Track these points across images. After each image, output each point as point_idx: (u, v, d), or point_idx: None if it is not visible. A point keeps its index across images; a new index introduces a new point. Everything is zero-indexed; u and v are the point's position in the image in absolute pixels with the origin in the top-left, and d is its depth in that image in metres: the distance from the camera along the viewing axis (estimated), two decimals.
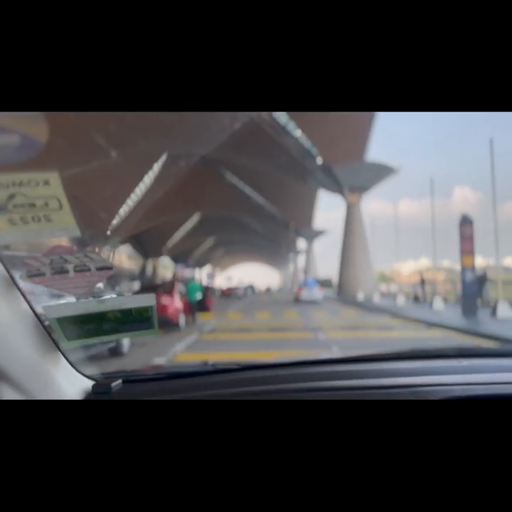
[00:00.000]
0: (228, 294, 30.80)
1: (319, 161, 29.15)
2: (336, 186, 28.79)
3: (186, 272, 44.55)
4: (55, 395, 0.71)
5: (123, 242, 40.40)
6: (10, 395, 0.65)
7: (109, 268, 0.66)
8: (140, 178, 34.26)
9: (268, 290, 44.00)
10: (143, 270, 45.78)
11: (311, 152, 28.90)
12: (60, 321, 0.65)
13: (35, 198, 0.64)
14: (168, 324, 9.29)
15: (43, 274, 0.65)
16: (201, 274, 59.66)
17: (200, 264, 69.65)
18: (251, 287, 41.09)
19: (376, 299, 23.17)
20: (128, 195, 34.51)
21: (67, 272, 0.65)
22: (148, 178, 35.86)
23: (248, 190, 38.80)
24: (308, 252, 48.58)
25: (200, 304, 11.53)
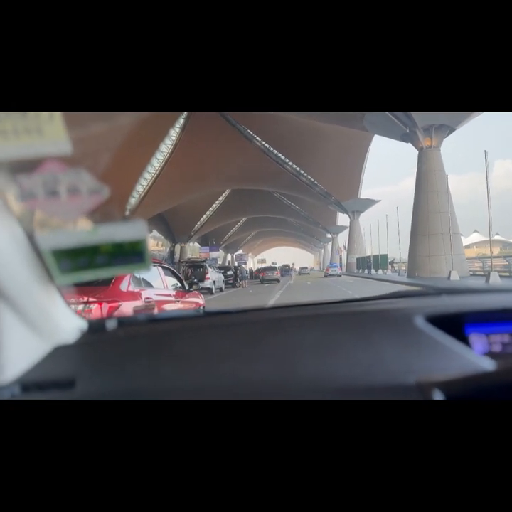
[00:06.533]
0: (261, 275, 26.17)
1: None
2: (404, 129, 19.97)
3: (213, 255, 41.07)
4: (54, 329, 0.77)
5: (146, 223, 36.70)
6: (14, 325, 0.68)
7: (100, 192, 0.65)
8: (155, 147, 30.33)
9: (304, 270, 42.03)
10: (171, 255, 42.73)
11: None
12: (55, 253, 0.66)
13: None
14: None
15: (36, 196, 0.63)
16: (232, 258, 56.43)
17: (231, 248, 66.50)
18: (288, 266, 37.54)
19: (494, 278, 13.37)
20: (144, 168, 30.80)
21: (58, 193, 0.64)
22: (166, 147, 31.89)
23: (281, 157, 34.13)
24: (353, 227, 41.50)
25: None
